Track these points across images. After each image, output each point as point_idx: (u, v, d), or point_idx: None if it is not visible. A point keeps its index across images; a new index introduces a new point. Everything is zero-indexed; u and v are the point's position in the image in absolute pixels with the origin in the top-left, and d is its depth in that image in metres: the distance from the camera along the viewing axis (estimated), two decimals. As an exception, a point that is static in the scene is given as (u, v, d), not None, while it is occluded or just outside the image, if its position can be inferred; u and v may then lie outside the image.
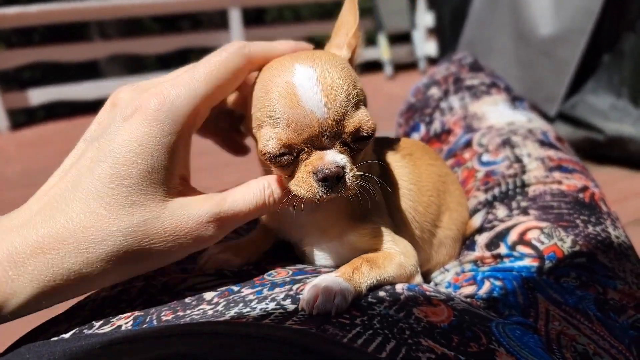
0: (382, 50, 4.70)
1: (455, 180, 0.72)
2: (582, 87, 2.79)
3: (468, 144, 0.83)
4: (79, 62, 4.22)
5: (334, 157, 0.48)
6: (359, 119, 0.48)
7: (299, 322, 0.43)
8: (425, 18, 5.13)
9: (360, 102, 0.50)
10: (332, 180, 0.48)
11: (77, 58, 4.20)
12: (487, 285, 0.60)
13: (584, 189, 0.69)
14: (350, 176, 0.49)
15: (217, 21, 5.66)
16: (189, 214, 0.46)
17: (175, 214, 0.45)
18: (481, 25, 3.11)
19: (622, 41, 2.63)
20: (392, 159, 0.64)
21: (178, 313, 0.46)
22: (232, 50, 0.50)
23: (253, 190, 0.50)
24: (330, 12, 7.26)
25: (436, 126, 0.92)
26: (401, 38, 5.19)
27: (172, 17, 5.73)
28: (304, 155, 0.49)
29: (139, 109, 0.45)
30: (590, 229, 0.63)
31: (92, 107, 4.32)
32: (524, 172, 0.73)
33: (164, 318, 0.45)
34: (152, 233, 0.44)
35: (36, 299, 0.41)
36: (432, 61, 5.04)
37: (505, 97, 0.91)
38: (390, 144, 0.66)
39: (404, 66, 5.19)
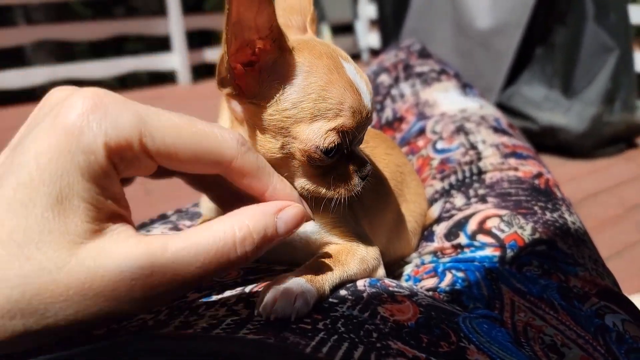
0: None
1: (412, 171, 0.69)
2: (518, 78, 2.90)
3: (421, 132, 0.81)
4: (3, 48, 3.88)
5: (362, 155, 0.50)
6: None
7: (255, 331, 0.38)
8: (368, 9, 5.16)
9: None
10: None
11: (1, 44, 3.86)
12: (449, 277, 0.57)
13: (539, 175, 0.69)
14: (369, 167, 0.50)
15: (154, 7, 5.39)
16: (105, 265, 0.30)
17: (84, 264, 0.30)
18: (422, 16, 3.16)
19: (554, 34, 2.75)
20: None
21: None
22: (230, 138, 0.35)
23: (215, 235, 0.33)
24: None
25: (388, 114, 0.89)
26: (344, 29, 5.19)
27: (104, 2, 5.40)
28: (345, 151, 0.47)
29: (60, 112, 0.31)
30: (548, 215, 0.62)
31: (17, 97, 3.99)
32: (479, 159, 0.72)
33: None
34: (49, 289, 0.29)
35: None
36: (375, 52, 5.09)
37: (455, 83, 0.90)
38: None
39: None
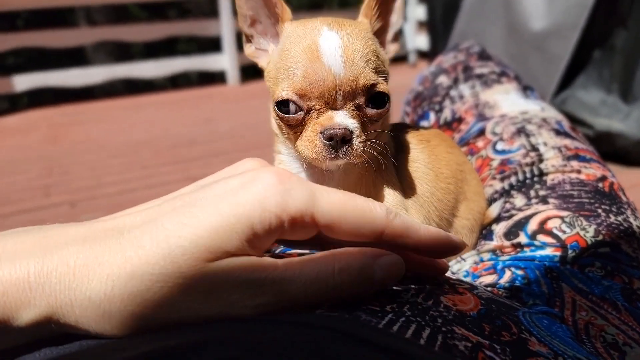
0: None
1: (472, 170, 0.70)
2: (573, 82, 2.81)
3: (481, 133, 0.82)
4: (65, 48, 4.12)
5: (343, 119, 0.49)
6: (375, 78, 0.50)
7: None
8: (417, 11, 5.12)
9: (379, 70, 0.51)
10: (337, 141, 0.48)
11: (63, 44, 4.10)
12: (508, 275, 0.58)
13: (603, 178, 0.68)
14: (358, 141, 0.50)
15: (205, 10, 5.57)
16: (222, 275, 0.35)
17: (209, 274, 0.35)
18: (473, 18, 3.11)
19: (614, 37, 2.65)
20: (410, 142, 0.63)
21: None
22: (380, 211, 0.39)
23: (318, 260, 0.38)
24: (320, 3, 7.21)
25: (447, 114, 0.90)
26: (392, 31, 5.17)
27: (159, 4, 5.63)
28: (315, 114, 0.50)
29: (255, 178, 0.37)
30: (612, 218, 0.62)
31: (77, 94, 4.23)
32: (541, 160, 0.72)
33: None
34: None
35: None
36: (423, 54, 5.03)
37: (516, 86, 0.90)
38: (407, 129, 0.65)
39: (393, 59, 5.17)
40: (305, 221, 0.37)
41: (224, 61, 4.63)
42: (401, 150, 0.61)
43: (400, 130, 0.64)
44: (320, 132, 0.49)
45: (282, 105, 0.51)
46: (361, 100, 0.50)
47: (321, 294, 0.37)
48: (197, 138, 3.27)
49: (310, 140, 0.50)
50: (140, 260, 0.33)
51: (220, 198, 0.36)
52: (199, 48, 5.06)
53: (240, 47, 4.75)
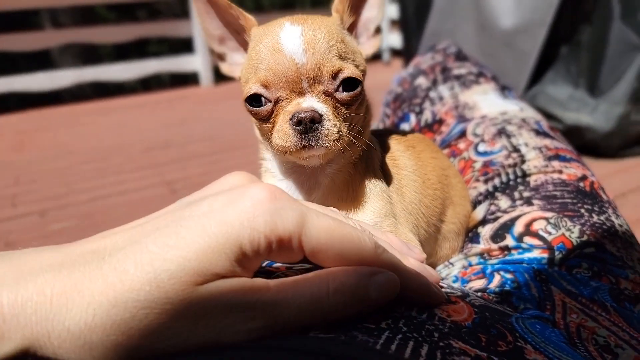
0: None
1: (457, 173, 0.70)
2: (543, 77, 2.88)
3: (462, 134, 0.82)
4: (30, 52, 3.98)
5: (310, 103, 0.50)
6: (341, 64, 0.50)
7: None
8: (389, 9, 5.15)
9: (346, 57, 0.52)
10: (306, 124, 0.49)
11: (28, 47, 3.96)
12: (497, 279, 0.58)
13: (584, 177, 0.69)
14: (329, 124, 0.49)
15: (176, 10, 5.47)
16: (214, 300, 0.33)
17: (198, 299, 0.33)
18: (445, 16, 3.15)
19: (579, 33, 2.72)
20: (396, 149, 0.62)
21: None
22: (369, 242, 0.38)
23: (311, 281, 0.36)
24: (292, 3, 7.17)
25: (427, 116, 0.90)
26: (364, 29, 5.19)
27: (127, 5, 5.49)
28: (284, 103, 0.51)
29: (244, 194, 0.35)
30: (595, 218, 0.63)
31: (44, 99, 4.10)
32: (523, 161, 0.72)
33: None
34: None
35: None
36: (396, 52, 5.07)
37: (494, 86, 0.91)
38: (391, 135, 0.65)
39: (368, 58, 5.22)
40: (292, 244, 0.35)
41: (197, 62, 4.56)
42: (388, 157, 0.61)
43: (384, 136, 0.63)
44: (290, 119, 0.49)
45: (254, 100, 0.52)
46: (329, 86, 0.50)
47: (316, 316, 0.36)
48: (171, 141, 3.20)
49: (282, 130, 0.50)
50: (123, 286, 0.31)
51: (207, 217, 0.34)
52: (170, 49, 4.96)
53: (212, 47, 4.69)
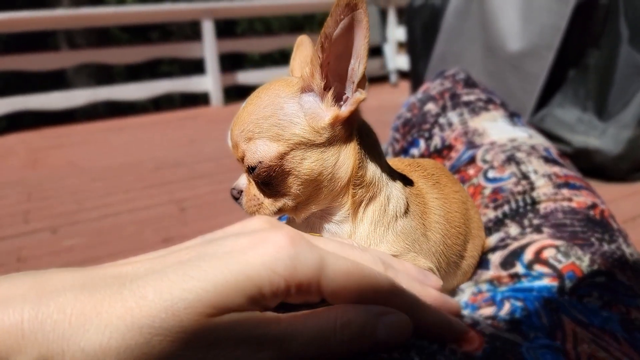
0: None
1: (474, 205, 0.70)
2: (550, 100, 2.89)
3: (472, 160, 0.83)
4: (46, 71, 4.08)
5: (241, 179, 0.57)
6: (243, 150, 0.53)
7: None
8: (397, 32, 5.23)
9: (255, 135, 0.52)
10: (238, 199, 0.57)
11: (44, 67, 4.06)
12: (507, 306, 0.59)
13: (593, 206, 0.70)
14: (243, 201, 0.56)
15: (187, 32, 5.58)
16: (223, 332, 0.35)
17: (208, 328, 0.34)
18: (452, 39, 3.19)
19: (587, 57, 2.74)
20: (422, 186, 0.61)
21: None
22: (386, 283, 0.40)
23: (319, 316, 0.37)
24: (301, 25, 7.30)
25: (436, 142, 0.91)
26: (372, 51, 5.27)
27: (141, 27, 5.63)
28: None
29: (266, 239, 0.37)
30: (606, 247, 0.63)
31: (59, 117, 4.17)
32: (532, 189, 0.73)
33: None
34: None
35: None
36: (403, 74, 5.13)
37: (503, 113, 0.92)
38: (412, 166, 0.64)
39: (375, 79, 5.28)
40: (311, 288, 0.36)
41: (208, 83, 4.64)
42: (415, 196, 0.58)
43: (404, 168, 0.62)
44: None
45: None
46: (245, 166, 0.54)
47: (323, 350, 0.36)
48: (181, 160, 3.24)
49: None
50: (141, 312, 0.32)
51: (230, 255, 0.35)
52: (181, 70, 5.06)
53: (223, 68, 4.78)
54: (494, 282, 0.65)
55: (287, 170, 0.51)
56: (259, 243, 0.36)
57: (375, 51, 5.26)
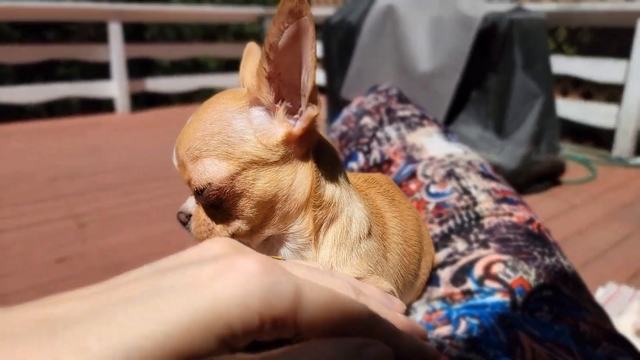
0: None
1: (423, 221, 0.68)
2: (456, 118, 3.09)
3: (412, 175, 0.83)
4: None
5: (186, 203, 0.52)
6: (190, 172, 0.48)
7: None
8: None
9: (203, 154, 0.47)
10: (186, 224, 0.51)
11: None
12: (463, 324, 0.58)
13: (531, 220, 0.72)
14: (192, 226, 0.51)
15: (91, 33, 5.18)
16: None
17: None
18: (367, 56, 3.30)
19: (488, 80, 2.98)
20: (381, 205, 0.57)
21: None
22: (364, 312, 0.36)
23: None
24: (214, 35, 7.13)
25: (375, 155, 0.90)
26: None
27: (35, 25, 5.10)
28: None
29: (233, 268, 0.31)
30: (547, 260, 0.65)
31: None
32: (475, 204, 0.74)
33: None
34: None
35: None
36: (320, 89, 5.20)
37: (437, 129, 0.94)
38: (372, 184, 0.60)
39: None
40: (287, 323, 0.31)
41: (113, 88, 4.32)
42: (376, 217, 0.55)
43: (360, 184, 0.58)
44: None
45: None
46: (193, 188, 0.48)
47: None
48: (80, 170, 2.96)
49: None
50: None
51: (192, 288, 0.29)
52: (81, 73, 4.67)
53: (131, 74, 4.49)
54: (446, 299, 0.64)
55: (239, 192, 0.46)
56: (225, 272, 0.30)
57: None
